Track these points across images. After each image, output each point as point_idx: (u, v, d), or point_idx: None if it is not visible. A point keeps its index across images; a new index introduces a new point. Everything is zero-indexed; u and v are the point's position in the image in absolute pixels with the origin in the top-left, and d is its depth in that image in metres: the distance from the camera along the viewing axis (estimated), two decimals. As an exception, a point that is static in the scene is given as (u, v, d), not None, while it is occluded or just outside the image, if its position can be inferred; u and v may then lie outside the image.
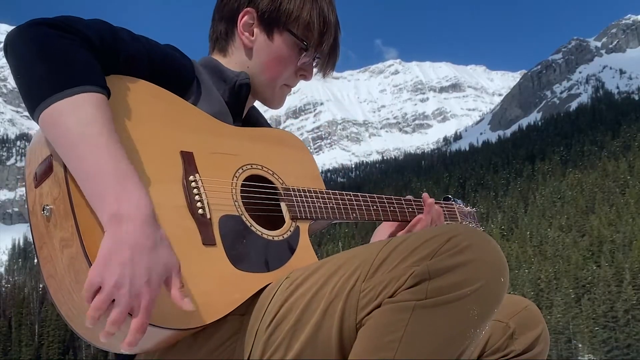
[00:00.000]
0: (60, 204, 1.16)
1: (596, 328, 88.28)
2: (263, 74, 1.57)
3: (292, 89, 1.67)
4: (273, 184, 1.46)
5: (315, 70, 1.64)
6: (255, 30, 1.55)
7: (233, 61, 1.58)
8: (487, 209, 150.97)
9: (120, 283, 1.05)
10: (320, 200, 1.51)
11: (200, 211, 1.27)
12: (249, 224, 1.35)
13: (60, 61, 1.15)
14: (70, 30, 1.19)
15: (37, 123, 1.16)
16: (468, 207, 1.97)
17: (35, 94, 1.15)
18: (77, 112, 1.13)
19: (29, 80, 1.16)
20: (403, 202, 1.72)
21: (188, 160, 1.31)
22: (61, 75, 1.15)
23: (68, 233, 1.14)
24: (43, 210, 1.18)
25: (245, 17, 1.54)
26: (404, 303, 1.09)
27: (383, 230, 1.79)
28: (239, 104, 1.55)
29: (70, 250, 1.14)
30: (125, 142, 1.21)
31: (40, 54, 1.15)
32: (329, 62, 1.62)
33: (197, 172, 1.31)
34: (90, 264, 1.09)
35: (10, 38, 1.18)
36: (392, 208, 1.67)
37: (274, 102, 1.63)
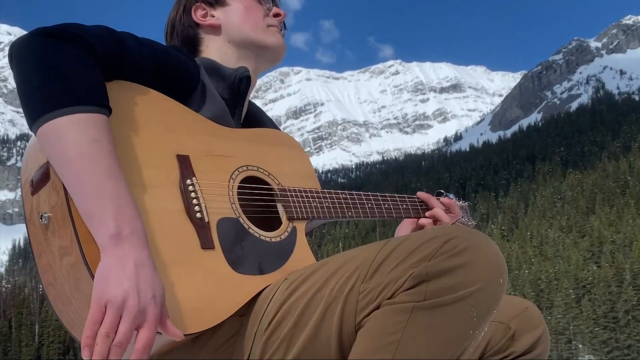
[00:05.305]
0: (58, 212, 1.15)
1: (597, 329, 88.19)
2: (243, 28, 1.63)
3: (287, 42, 1.74)
4: (269, 184, 1.47)
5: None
6: (212, 12, 1.65)
7: (214, 48, 1.63)
8: (487, 209, 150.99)
9: (127, 295, 1.03)
10: (316, 199, 1.52)
11: (198, 215, 1.27)
12: (246, 226, 1.36)
13: (63, 75, 1.14)
14: (73, 39, 1.18)
15: (35, 135, 1.16)
16: (460, 201, 2.01)
17: (36, 106, 1.14)
18: (78, 131, 1.12)
19: (31, 92, 1.14)
20: (397, 199, 1.74)
21: (184, 164, 1.31)
22: (63, 91, 1.13)
23: (67, 241, 1.13)
24: (41, 218, 1.17)
25: (199, 11, 1.64)
26: (402, 305, 1.10)
27: (406, 226, 1.83)
28: (239, 100, 1.57)
29: (69, 259, 1.13)
30: (122, 147, 1.21)
31: (41, 67, 1.14)
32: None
33: (194, 176, 1.31)
34: (90, 271, 1.08)
35: (14, 48, 1.18)
36: (387, 205, 1.69)
37: (272, 41, 1.67)
